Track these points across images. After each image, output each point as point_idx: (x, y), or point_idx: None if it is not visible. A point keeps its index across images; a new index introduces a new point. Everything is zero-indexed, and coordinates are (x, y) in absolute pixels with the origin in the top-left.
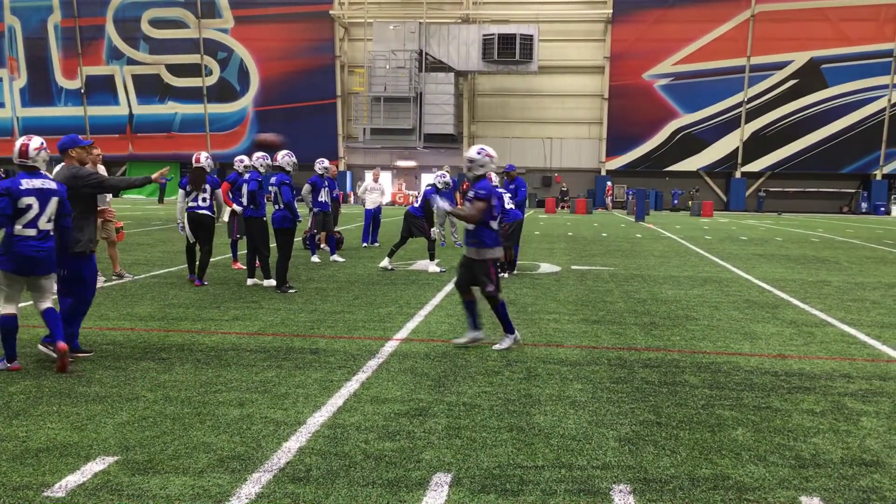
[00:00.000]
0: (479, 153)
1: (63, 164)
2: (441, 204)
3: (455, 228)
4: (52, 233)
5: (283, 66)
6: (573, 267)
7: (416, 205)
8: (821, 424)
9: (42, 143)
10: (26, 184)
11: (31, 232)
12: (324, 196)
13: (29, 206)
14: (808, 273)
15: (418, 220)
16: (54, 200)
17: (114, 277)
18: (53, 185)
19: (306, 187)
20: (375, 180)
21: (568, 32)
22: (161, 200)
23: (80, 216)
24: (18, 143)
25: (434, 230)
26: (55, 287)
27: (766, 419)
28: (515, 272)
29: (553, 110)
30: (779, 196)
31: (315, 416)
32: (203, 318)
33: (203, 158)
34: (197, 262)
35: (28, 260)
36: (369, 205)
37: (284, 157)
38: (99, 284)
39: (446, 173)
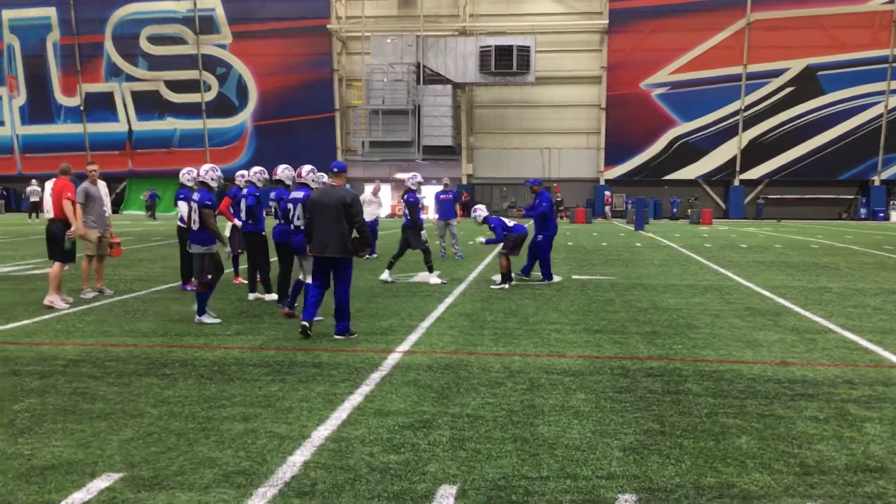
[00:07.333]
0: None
1: (322, 184)
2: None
3: (455, 240)
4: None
5: (281, 81)
6: (574, 276)
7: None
8: (825, 431)
9: (312, 168)
10: (293, 194)
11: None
12: None
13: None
14: (809, 280)
15: (412, 231)
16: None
17: (92, 292)
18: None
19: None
20: (374, 194)
21: (565, 43)
22: (153, 216)
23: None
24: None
25: (436, 242)
26: (308, 266)
27: (770, 427)
28: (513, 283)
29: (551, 121)
30: (778, 203)
31: (319, 430)
32: (205, 332)
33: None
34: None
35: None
36: (366, 217)
37: (284, 171)
38: (90, 296)
39: (417, 174)
